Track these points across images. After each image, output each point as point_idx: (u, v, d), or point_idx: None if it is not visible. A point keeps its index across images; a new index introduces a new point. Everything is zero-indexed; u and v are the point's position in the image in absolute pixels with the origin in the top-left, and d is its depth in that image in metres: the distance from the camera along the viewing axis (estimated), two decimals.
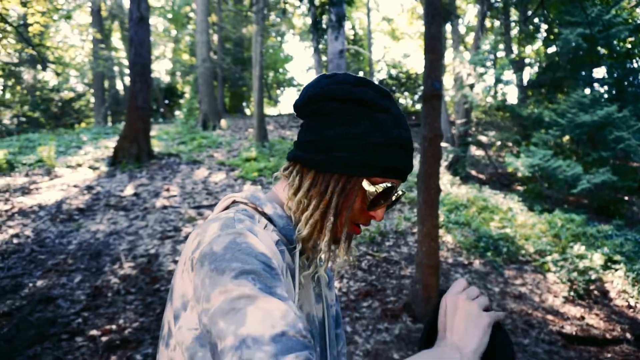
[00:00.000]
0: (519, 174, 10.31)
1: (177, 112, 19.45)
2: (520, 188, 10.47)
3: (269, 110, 24.59)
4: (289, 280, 0.75)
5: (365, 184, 0.79)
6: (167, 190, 7.06)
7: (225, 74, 18.43)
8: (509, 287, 4.97)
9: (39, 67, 18.71)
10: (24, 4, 10.00)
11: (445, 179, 9.82)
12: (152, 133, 9.48)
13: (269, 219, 0.82)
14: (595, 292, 5.04)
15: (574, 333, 4.11)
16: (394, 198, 0.84)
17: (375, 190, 0.79)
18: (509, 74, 12.48)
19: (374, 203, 0.80)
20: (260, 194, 0.85)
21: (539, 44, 14.84)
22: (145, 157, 8.52)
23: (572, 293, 4.94)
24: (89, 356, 3.15)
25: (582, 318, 4.44)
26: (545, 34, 13.54)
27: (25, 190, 6.67)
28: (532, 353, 3.69)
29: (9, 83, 19.08)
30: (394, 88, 17.80)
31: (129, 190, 6.90)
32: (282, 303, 0.60)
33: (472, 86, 11.03)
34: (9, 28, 9.48)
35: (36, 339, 3.31)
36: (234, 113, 20.08)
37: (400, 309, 4.11)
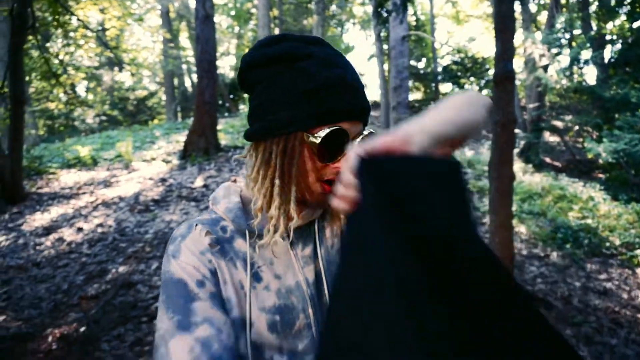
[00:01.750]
0: (601, 161, 9.52)
1: (241, 106, 20.02)
2: (601, 176, 9.68)
3: None
4: (238, 269, 0.77)
5: (306, 135, 0.73)
6: (234, 181, 7.27)
7: None
8: (592, 282, 4.60)
9: (116, 69, 20.05)
10: (102, 11, 10.70)
11: (517, 167, 9.30)
12: (219, 127, 9.82)
13: (221, 217, 0.83)
14: None
15: None
16: (356, 141, 0.75)
17: (316, 141, 0.72)
18: (587, 53, 11.53)
19: (323, 154, 0.73)
20: (222, 191, 0.87)
21: (622, 18, 13.56)
22: (213, 150, 8.85)
23: None
24: None
25: None
26: (629, 8, 12.33)
27: (107, 183, 7.18)
28: (621, 355, 3.39)
29: (91, 85, 20.64)
30: (459, 74, 17.11)
31: (199, 182, 7.20)
32: (190, 339, 0.66)
33: (545, 68, 10.31)
34: (89, 34, 10.21)
35: (119, 321, 3.55)
36: None
37: None
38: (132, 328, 3.46)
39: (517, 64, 15.38)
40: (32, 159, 7.90)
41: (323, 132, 0.72)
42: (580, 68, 11.76)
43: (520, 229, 5.76)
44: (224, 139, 10.14)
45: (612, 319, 3.89)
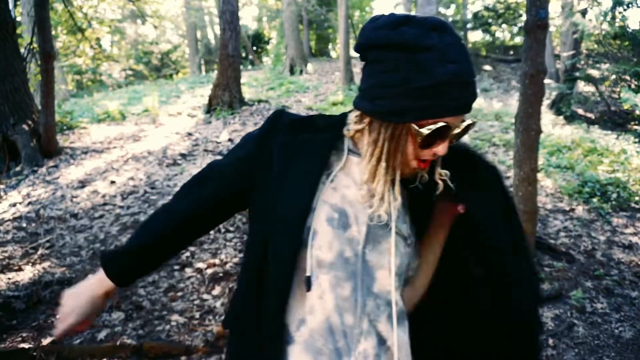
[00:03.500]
0: (637, 112, 9.12)
1: (265, 59, 19.77)
2: (637, 128, 9.30)
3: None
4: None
5: (414, 127, 0.80)
6: None
7: (310, 16, 18.15)
8: (617, 235, 4.57)
9: (139, 21, 19.93)
10: None
11: (547, 119, 9.03)
12: (243, 80, 9.79)
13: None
14: None
15: None
16: (457, 131, 0.83)
17: (424, 133, 0.80)
18: None
19: (427, 143, 0.82)
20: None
21: None
22: (237, 104, 8.89)
23: None
24: (197, 285, 3.53)
25: None
26: None
27: (135, 138, 7.37)
28: None
29: (115, 39, 20.65)
30: (490, 20, 16.31)
31: (224, 136, 7.31)
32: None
33: (583, 12, 9.71)
34: None
35: None
36: (320, 56, 19.92)
37: None
38: (166, 275, 3.68)
39: (554, 8, 14.51)
40: (63, 114, 8.13)
41: (430, 127, 0.80)
42: (625, 9, 11.01)
43: (546, 182, 5.68)
44: (247, 93, 10.13)
45: (635, 272, 3.90)
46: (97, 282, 1.02)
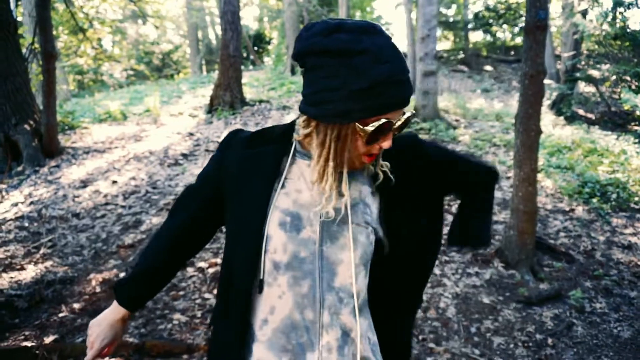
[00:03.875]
0: (638, 113, 9.13)
1: (266, 59, 19.78)
2: (637, 128, 9.31)
3: None
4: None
5: (359, 126, 0.85)
6: None
7: (312, 16, 18.16)
8: (617, 236, 4.58)
9: (140, 21, 19.96)
10: None
11: (547, 120, 9.04)
12: (244, 80, 9.81)
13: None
14: None
15: None
16: (398, 124, 0.89)
17: (369, 131, 0.85)
18: None
19: (372, 139, 0.87)
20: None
21: None
22: (238, 104, 8.91)
23: None
24: (199, 284, 3.55)
25: None
26: None
27: (137, 138, 7.40)
28: (639, 307, 3.44)
29: (116, 39, 20.67)
30: (490, 21, 16.31)
31: None
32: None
33: (584, 13, 9.71)
34: None
35: None
36: None
37: (492, 255, 4.02)
38: None
39: (554, 9, 14.52)
40: (65, 114, 8.16)
41: (373, 125, 0.85)
42: (626, 10, 11.01)
43: (546, 183, 5.70)
44: (249, 93, 10.15)
45: (634, 272, 3.91)
46: (114, 310, 1.14)
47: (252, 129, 6.96)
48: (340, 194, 0.93)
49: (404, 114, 0.90)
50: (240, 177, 1.00)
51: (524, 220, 3.79)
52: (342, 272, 0.94)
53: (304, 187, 0.96)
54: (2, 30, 6.12)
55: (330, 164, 0.89)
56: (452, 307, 3.36)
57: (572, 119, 9.49)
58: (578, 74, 10.20)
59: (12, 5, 7.33)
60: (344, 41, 0.81)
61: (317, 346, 0.93)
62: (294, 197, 0.96)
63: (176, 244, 1.12)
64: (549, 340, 3.00)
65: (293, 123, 1.02)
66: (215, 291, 3.47)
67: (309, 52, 0.85)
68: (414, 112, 0.92)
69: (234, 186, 1.01)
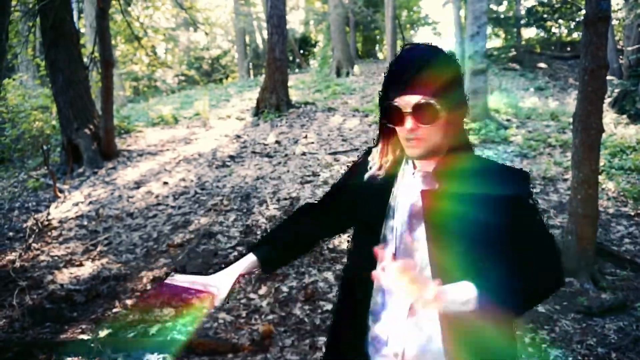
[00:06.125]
0: None
1: (312, 61, 19.91)
2: None
3: None
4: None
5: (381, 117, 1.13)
6: (305, 137, 7.41)
7: (357, 18, 18.09)
8: None
9: (191, 29, 20.69)
10: None
11: (609, 118, 8.49)
12: (290, 83, 9.91)
13: None
14: None
15: None
16: (408, 110, 1.01)
17: (382, 118, 1.11)
18: None
19: (390, 119, 1.07)
20: None
21: None
22: (284, 106, 9.00)
23: None
24: (244, 284, 3.60)
25: None
26: None
27: (187, 140, 7.64)
28: None
29: (169, 46, 21.54)
30: (545, 16, 15.57)
31: (271, 138, 7.42)
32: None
33: None
34: None
35: (202, 267, 3.89)
36: (367, 58, 19.82)
37: None
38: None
39: (615, 1, 13.65)
40: (121, 118, 8.56)
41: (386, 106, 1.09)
42: None
43: (608, 185, 5.34)
44: (294, 95, 10.23)
45: None
46: (240, 263, 1.24)
47: (297, 131, 7.03)
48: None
49: (420, 100, 1.00)
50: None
51: (584, 225, 3.55)
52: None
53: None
54: (66, 41, 6.52)
55: (379, 147, 1.19)
56: None
57: (636, 117, 8.85)
58: None
59: (75, 17, 7.79)
60: (401, 51, 1.10)
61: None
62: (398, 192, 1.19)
63: (320, 225, 1.33)
64: (613, 355, 2.79)
65: None
66: (260, 291, 3.51)
67: None
68: (430, 100, 0.98)
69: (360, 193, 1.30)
